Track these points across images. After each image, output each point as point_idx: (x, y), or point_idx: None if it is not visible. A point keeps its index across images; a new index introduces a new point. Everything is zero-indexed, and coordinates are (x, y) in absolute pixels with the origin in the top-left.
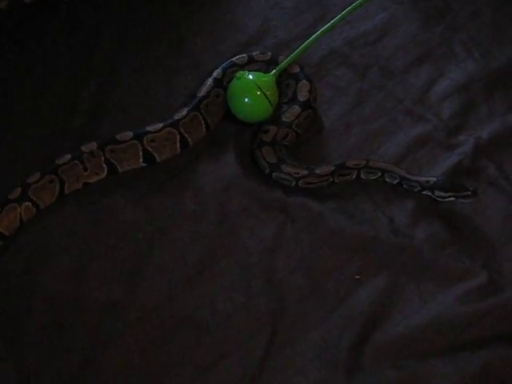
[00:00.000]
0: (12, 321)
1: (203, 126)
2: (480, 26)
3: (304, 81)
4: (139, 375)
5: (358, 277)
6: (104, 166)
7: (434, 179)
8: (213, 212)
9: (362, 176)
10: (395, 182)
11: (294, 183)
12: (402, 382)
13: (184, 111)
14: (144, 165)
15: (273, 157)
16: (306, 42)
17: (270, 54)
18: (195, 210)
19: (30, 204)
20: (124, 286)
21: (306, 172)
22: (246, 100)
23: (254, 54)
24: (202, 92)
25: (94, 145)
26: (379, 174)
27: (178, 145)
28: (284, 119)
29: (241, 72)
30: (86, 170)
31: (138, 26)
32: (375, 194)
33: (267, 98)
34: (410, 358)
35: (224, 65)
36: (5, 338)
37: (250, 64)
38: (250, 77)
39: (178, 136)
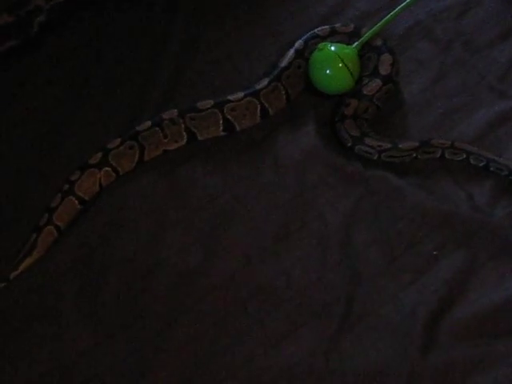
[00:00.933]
0: (89, 286)
1: (284, 96)
2: None
3: (386, 54)
4: (213, 343)
5: (435, 253)
6: (184, 133)
7: None
8: (290, 183)
9: (446, 156)
10: (481, 165)
11: (377, 156)
12: (476, 359)
13: (265, 81)
14: (224, 133)
15: (355, 130)
16: (389, 15)
17: (352, 25)
18: (273, 180)
19: (109, 169)
20: (200, 254)
21: (389, 145)
22: (328, 71)
23: (336, 25)
24: (284, 62)
25: (174, 112)
26: (464, 155)
27: (259, 115)
28: (365, 92)
29: (323, 43)
30: (165, 137)
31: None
32: (455, 171)
33: (349, 69)
34: (485, 337)
35: (306, 36)
36: (81, 304)
37: (333, 36)
38: (332, 48)
39: (259, 106)
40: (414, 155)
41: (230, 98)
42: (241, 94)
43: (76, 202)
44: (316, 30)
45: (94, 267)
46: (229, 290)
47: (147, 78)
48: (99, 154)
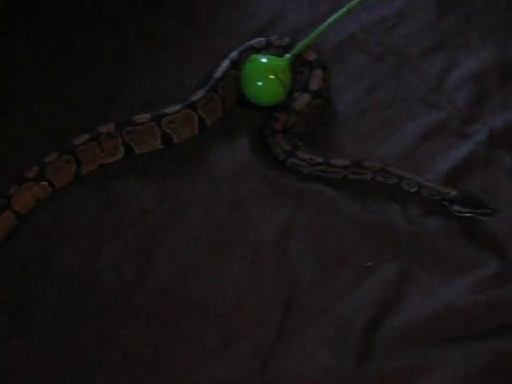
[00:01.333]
0: (23, 302)
1: (220, 106)
2: (495, 14)
3: (318, 69)
4: (147, 358)
5: (369, 264)
6: (121, 147)
7: (455, 193)
8: (225, 196)
9: (377, 178)
10: (413, 190)
11: (308, 170)
12: (411, 369)
13: (201, 92)
14: (162, 147)
15: (287, 144)
16: (321, 26)
17: (287, 39)
18: (208, 193)
19: (46, 184)
20: (135, 268)
21: (320, 160)
22: (259, 83)
23: (271, 38)
24: (219, 73)
25: (111, 126)
26: (396, 180)
27: (196, 126)
28: (294, 107)
29: (254, 55)
30: (102, 151)
31: (150, 10)
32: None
33: (280, 81)
34: (421, 346)
35: (241, 47)
36: (15, 319)
37: (268, 48)
38: (264, 60)
39: (197, 117)
40: (344, 174)
41: (167, 110)
42: (178, 107)
43: (12, 216)
44: (252, 42)
45: (30, 282)
46: (164, 305)
47: (79, 92)
48: (36, 168)
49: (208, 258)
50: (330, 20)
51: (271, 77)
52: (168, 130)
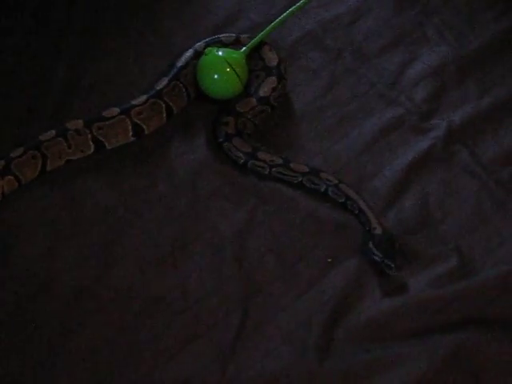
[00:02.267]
0: None
1: (185, 94)
2: (453, 9)
3: (273, 77)
4: (109, 358)
5: (329, 260)
6: (91, 143)
7: (380, 231)
8: (184, 194)
9: (329, 193)
10: (356, 212)
11: (268, 171)
12: (372, 365)
13: (165, 81)
14: (133, 139)
15: (247, 146)
16: (276, 20)
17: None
18: (167, 191)
19: (12, 178)
20: (95, 268)
21: (280, 161)
22: (216, 76)
23: (241, 36)
24: (181, 62)
25: (79, 122)
26: (343, 199)
27: (164, 114)
28: (238, 109)
29: (209, 48)
30: (69, 147)
31: (109, 8)
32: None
33: (237, 74)
34: (381, 342)
35: (209, 39)
36: None
37: (235, 45)
38: (220, 53)
39: (164, 105)
40: (300, 179)
41: (134, 102)
42: (144, 97)
43: None
44: (221, 36)
45: None
46: (124, 303)
47: (39, 91)
48: (2, 162)
49: (168, 256)
50: (285, 14)
51: (227, 70)
52: (138, 121)
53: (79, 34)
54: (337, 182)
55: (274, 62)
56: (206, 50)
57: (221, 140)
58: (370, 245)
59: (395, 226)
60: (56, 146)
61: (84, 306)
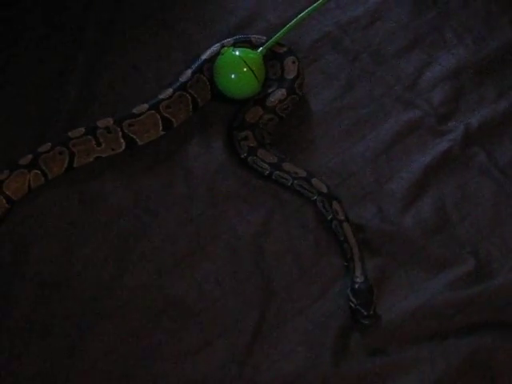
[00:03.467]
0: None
1: (208, 88)
2: (471, 12)
3: (283, 90)
4: (125, 359)
5: (346, 264)
6: (122, 140)
7: (361, 279)
8: (202, 195)
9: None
10: (348, 256)
11: (291, 183)
12: (388, 368)
13: (188, 73)
14: (163, 133)
15: (271, 156)
16: (293, 21)
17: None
18: (184, 192)
19: (39, 172)
20: (112, 269)
21: (304, 174)
22: (233, 76)
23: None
24: (206, 55)
25: (109, 120)
26: (342, 238)
27: (191, 106)
28: (249, 120)
29: (226, 48)
30: (99, 145)
31: (128, 9)
32: None
33: (254, 74)
34: (397, 344)
35: (238, 37)
36: None
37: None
38: (237, 53)
39: (190, 98)
40: (315, 198)
41: (161, 96)
42: (170, 90)
43: (4, 200)
44: (251, 36)
45: (3, 283)
46: (141, 304)
47: (56, 95)
48: (30, 156)
49: (185, 258)
50: (301, 14)
51: (244, 69)
52: (167, 115)
53: (95, 35)
54: (343, 218)
55: (291, 76)
56: (223, 49)
57: (244, 155)
58: (348, 291)
59: (412, 229)
60: (84, 144)
61: (101, 307)
